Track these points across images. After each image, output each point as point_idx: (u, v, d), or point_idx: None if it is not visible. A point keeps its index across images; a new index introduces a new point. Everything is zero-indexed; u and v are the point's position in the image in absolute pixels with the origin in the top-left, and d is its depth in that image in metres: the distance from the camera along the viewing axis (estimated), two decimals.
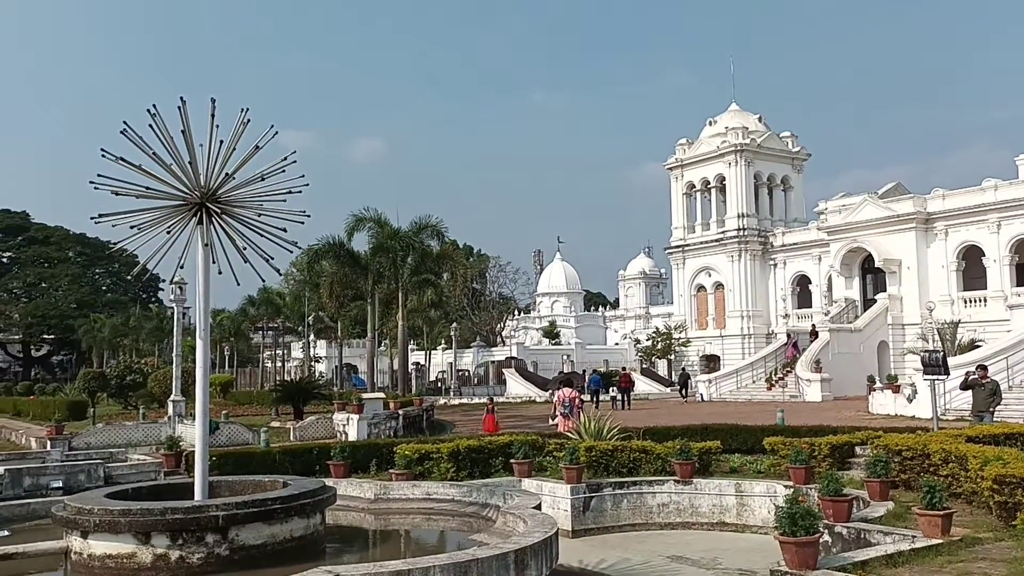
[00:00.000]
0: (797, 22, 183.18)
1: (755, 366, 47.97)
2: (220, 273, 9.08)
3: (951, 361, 22.84)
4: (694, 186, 62.69)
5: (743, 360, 51.52)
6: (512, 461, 15.12)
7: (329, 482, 11.30)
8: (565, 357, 66.75)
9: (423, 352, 72.65)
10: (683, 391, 46.16)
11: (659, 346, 60.81)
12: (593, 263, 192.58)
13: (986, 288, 45.94)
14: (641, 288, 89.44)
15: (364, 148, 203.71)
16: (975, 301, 46.17)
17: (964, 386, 19.55)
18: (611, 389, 41.30)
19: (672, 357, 61.37)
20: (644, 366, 60.69)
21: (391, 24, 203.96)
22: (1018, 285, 44.86)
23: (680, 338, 60.27)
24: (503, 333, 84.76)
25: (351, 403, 26.20)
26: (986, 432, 13.73)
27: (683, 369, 53.08)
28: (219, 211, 8.99)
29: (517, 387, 54.07)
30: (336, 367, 69.74)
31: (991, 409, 19.07)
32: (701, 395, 46.77)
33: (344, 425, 24.74)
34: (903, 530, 9.41)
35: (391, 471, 14.37)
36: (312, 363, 68.44)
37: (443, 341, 71.45)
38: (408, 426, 26.19)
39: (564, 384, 23.86)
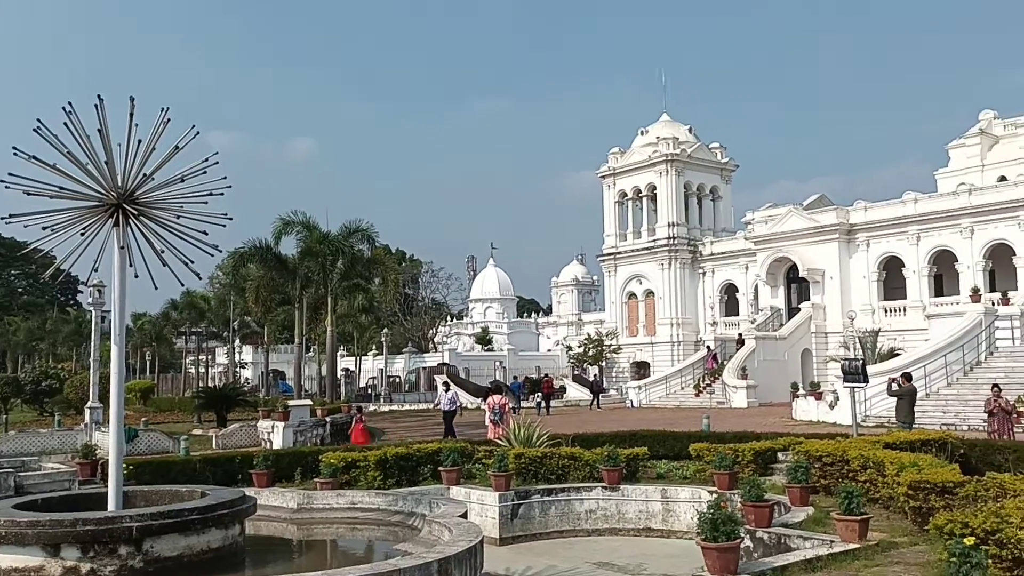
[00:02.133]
0: (728, 36, 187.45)
1: (684, 373, 48.69)
2: (137, 276, 8.81)
3: (871, 369, 23.49)
4: (626, 194, 63.46)
5: (672, 367, 52.26)
6: (441, 469, 15.01)
7: (251, 492, 11.03)
8: (498, 363, 66.76)
9: (353, 358, 71.82)
10: (595, 400, 46.34)
11: (591, 353, 61.26)
12: (527, 269, 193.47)
13: (906, 298, 47.48)
14: (574, 295, 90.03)
15: (296, 149, 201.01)
16: (895, 311, 47.67)
17: (891, 393, 20.09)
18: (534, 395, 41.68)
19: (603, 364, 61.89)
20: (576, 372, 61.09)
21: (324, 23, 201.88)
22: (936, 295, 46.48)
23: (611, 345, 60.85)
24: (435, 339, 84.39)
25: (277, 410, 25.72)
26: (903, 439, 14.12)
27: (594, 377, 53.54)
28: (136, 212, 8.72)
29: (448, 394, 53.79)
30: (262, 373, 68.46)
31: (907, 418, 19.52)
32: (631, 401, 47.29)
33: (269, 433, 24.27)
34: (822, 535, 9.60)
35: (316, 480, 14.12)
36: (237, 369, 67.04)
37: (374, 347, 70.77)
38: (336, 434, 25.81)
39: (494, 391, 23.81)
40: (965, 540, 6.15)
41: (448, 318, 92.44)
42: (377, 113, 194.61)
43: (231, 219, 9.02)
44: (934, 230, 46.45)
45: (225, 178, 8.81)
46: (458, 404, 29.06)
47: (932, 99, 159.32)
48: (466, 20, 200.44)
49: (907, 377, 20.61)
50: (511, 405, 28.74)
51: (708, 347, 49.83)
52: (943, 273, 46.95)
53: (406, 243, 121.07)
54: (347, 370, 68.11)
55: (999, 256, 44.34)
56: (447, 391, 30.29)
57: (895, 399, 20.66)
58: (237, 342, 67.45)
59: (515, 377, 47.72)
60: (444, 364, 60.99)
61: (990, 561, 6.37)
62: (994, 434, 18.84)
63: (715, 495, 12.34)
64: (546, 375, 50.91)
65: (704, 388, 45.85)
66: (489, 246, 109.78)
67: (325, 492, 13.00)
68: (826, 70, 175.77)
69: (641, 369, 59.41)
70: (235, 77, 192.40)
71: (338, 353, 59.63)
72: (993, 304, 32.17)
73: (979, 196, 45.26)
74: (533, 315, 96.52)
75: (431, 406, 48.68)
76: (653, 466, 15.66)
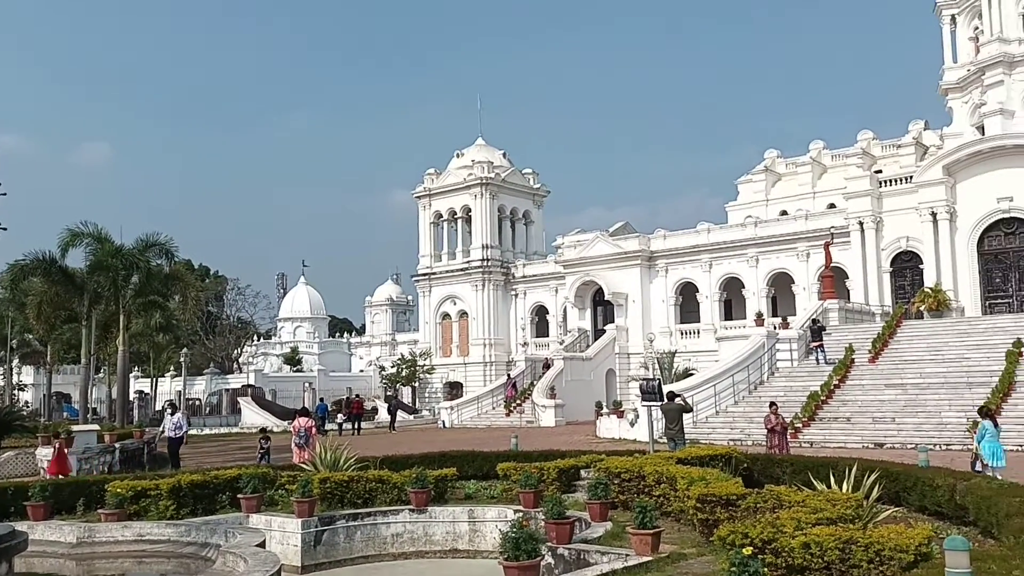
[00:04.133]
0: (543, 66, 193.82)
1: (496, 393, 49.39)
2: None
3: (666, 388, 24.72)
4: (441, 215, 63.89)
5: (485, 387, 52.91)
6: (240, 496, 14.31)
7: (23, 526, 10.04)
8: (307, 385, 64.92)
9: (149, 380, 67.47)
10: (392, 422, 46.07)
11: (404, 373, 60.95)
12: (340, 288, 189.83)
13: (699, 321, 50.69)
14: (388, 314, 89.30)
15: (87, 154, 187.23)
16: (690, 333, 50.76)
17: (662, 409, 21.08)
18: (339, 416, 41.08)
19: (417, 384, 61.75)
20: (388, 393, 60.50)
21: (134, 22, 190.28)
22: (726, 319, 49.92)
23: (425, 365, 60.82)
24: (241, 360, 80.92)
25: (59, 436, 23.63)
26: (694, 454, 14.93)
27: (389, 398, 53.43)
28: None
29: (253, 416, 51.72)
30: (45, 396, 62.82)
31: (676, 435, 20.46)
32: (443, 421, 47.38)
33: (49, 461, 22.22)
34: (619, 549, 9.94)
35: (101, 511, 13.06)
36: (15, 391, 61.21)
37: (172, 368, 66.84)
38: (126, 460, 24.08)
39: (300, 413, 23.09)
40: (744, 550, 6.54)
41: (255, 337, 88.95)
42: (184, 121, 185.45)
43: (5, 228, 8.21)
44: (724, 258, 49.97)
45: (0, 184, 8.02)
46: (185, 430, 25.73)
47: (724, 137, 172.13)
48: (281, 31, 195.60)
49: (671, 396, 21.72)
50: (318, 428, 27.78)
51: (508, 375, 50.66)
52: (732, 298, 50.58)
53: (212, 259, 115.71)
54: (141, 392, 63.89)
55: (780, 283, 48.33)
56: (172, 414, 26.78)
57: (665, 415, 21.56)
58: (16, 362, 61.59)
59: (321, 399, 46.60)
60: (249, 386, 58.61)
61: (766, 569, 6.82)
62: (773, 449, 20.31)
63: (520, 514, 12.54)
64: (356, 396, 50.07)
65: (514, 408, 46.67)
66: (301, 264, 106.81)
67: (110, 524, 12.06)
68: (630, 106, 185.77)
69: (454, 389, 59.73)
70: (10, 74, 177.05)
71: (131, 374, 55.89)
72: (775, 328, 34.85)
73: (763, 228, 49.21)
74: (346, 335, 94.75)
75: (233, 430, 46.68)
76: (462, 487, 15.69)
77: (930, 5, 50.80)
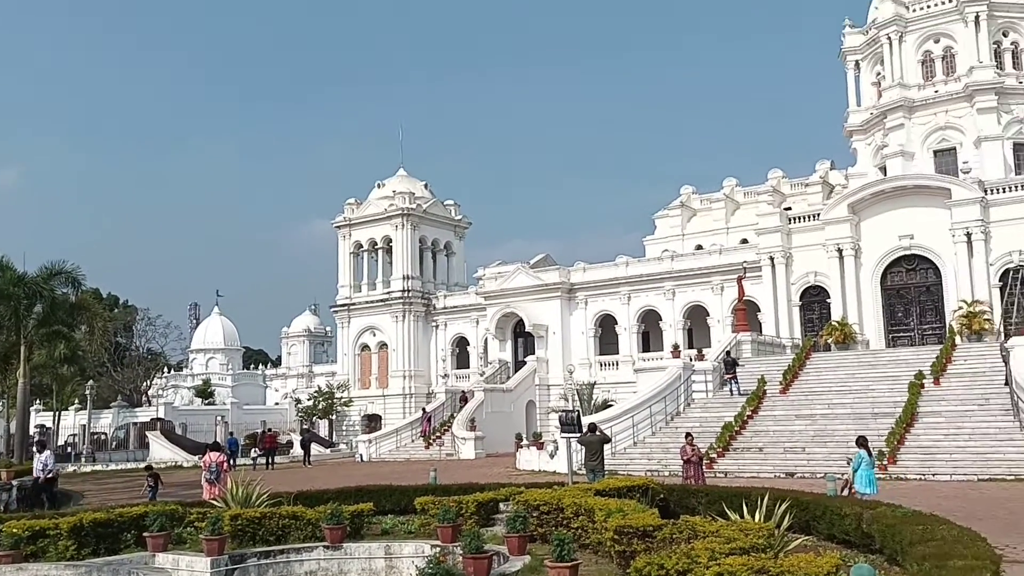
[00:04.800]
0: (464, 98, 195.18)
1: (415, 425, 48.87)
2: None
3: (586, 419, 24.90)
4: (361, 246, 63.33)
5: (404, 419, 52.33)
6: (146, 535, 13.73)
7: None
8: (219, 418, 62.91)
9: (51, 413, 64.49)
10: (306, 457, 45.20)
11: (321, 405, 59.82)
12: (256, 319, 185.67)
13: (618, 353, 51.33)
14: (305, 346, 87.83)
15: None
16: (609, 364, 51.32)
17: (580, 441, 21.23)
18: (253, 450, 40.12)
19: (334, 417, 60.64)
20: (304, 426, 59.24)
21: (36, 59, 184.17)
22: (644, 351, 50.67)
23: (342, 397, 59.85)
24: (150, 392, 78.17)
25: None
26: (612, 485, 15.00)
27: (304, 431, 52.45)
28: None
29: (162, 451, 49.94)
30: None
31: (595, 466, 20.64)
32: (360, 455, 46.62)
33: None
34: None
35: None
36: None
37: (77, 400, 64.11)
38: (25, 499, 22.88)
39: (211, 448, 22.39)
40: None
41: (165, 369, 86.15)
42: (98, 149, 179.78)
43: None
44: (642, 291, 50.86)
45: None
46: (54, 470, 24.01)
47: (643, 172, 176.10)
48: (206, 61, 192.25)
49: (592, 428, 21.94)
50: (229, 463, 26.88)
51: (423, 409, 50.22)
52: (650, 330, 51.42)
53: (121, 288, 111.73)
54: (43, 427, 61.01)
55: (696, 316, 49.38)
56: (41, 452, 25.10)
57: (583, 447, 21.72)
58: None
59: (231, 432, 45.37)
60: (158, 419, 56.60)
61: None
62: (689, 479, 20.61)
63: (438, 549, 12.36)
64: (269, 429, 48.91)
65: (434, 440, 46.27)
66: (215, 293, 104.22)
67: (3, 567, 11.42)
68: (552, 140, 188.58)
69: (373, 422, 58.89)
70: None
71: (33, 408, 53.40)
72: (691, 360, 35.54)
73: (680, 262, 50.32)
74: (261, 367, 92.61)
75: (141, 465, 45.01)
76: (379, 522, 15.40)
77: (836, 51, 53.23)
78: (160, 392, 78.84)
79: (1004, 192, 38.76)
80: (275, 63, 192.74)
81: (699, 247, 54.42)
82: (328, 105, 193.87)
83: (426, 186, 65.39)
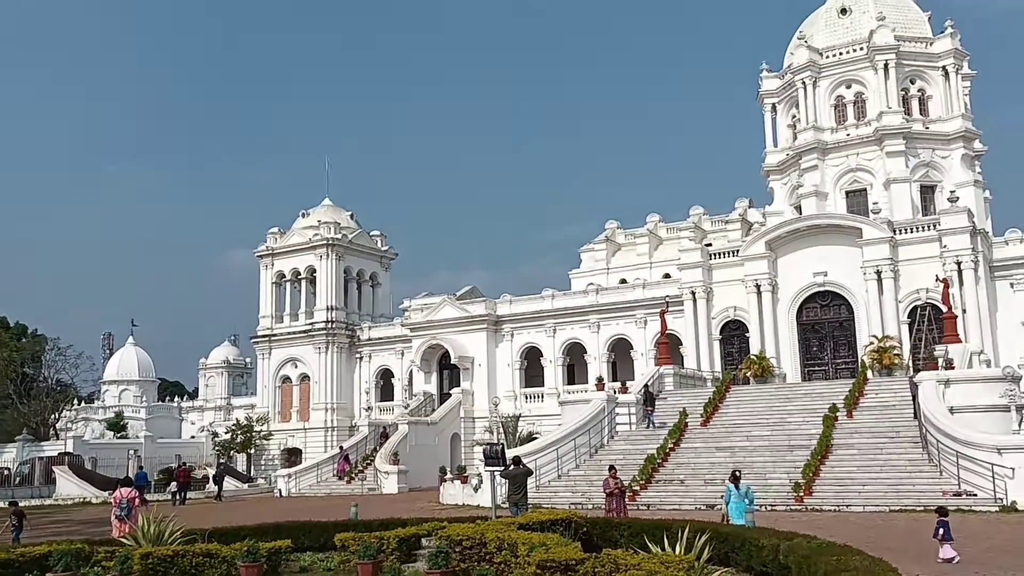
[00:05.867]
0: (391, 131, 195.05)
1: (336, 459, 47.98)
2: None
3: (510, 453, 24.84)
4: (284, 276, 62.36)
5: (325, 453, 51.36)
6: (49, 575, 13.11)
7: None
8: (132, 452, 60.66)
9: None
10: (219, 492, 44.01)
11: (239, 439, 58.27)
12: (173, 350, 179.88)
13: (543, 385, 51.51)
14: (224, 378, 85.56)
15: None
16: (535, 397, 51.44)
17: (503, 475, 21.17)
18: (172, 484, 38.86)
19: (253, 451, 59.13)
20: (222, 461, 57.57)
21: None
22: (569, 383, 50.96)
23: (262, 431, 58.45)
24: (58, 425, 74.85)
25: None
26: (535, 519, 14.97)
27: (220, 465, 51.13)
28: None
29: (70, 487, 47.87)
30: None
31: (518, 500, 20.60)
32: (280, 490, 45.54)
33: None
34: None
35: None
36: None
37: None
38: None
39: (122, 483, 21.57)
40: None
41: (76, 401, 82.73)
42: (4, 167, 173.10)
43: None
44: (567, 324, 51.29)
45: None
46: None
47: (570, 206, 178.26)
48: (111, 84, 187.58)
49: (516, 461, 21.93)
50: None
51: (340, 447, 49.35)
52: (575, 363, 51.80)
53: (30, 317, 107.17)
54: None
55: (620, 349, 49.98)
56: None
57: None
58: None
59: (140, 467, 43.83)
60: (66, 453, 54.28)
61: None
62: (612, 512, 20.71)
63: None
64: (184, 463, 47.39)
65: (356, 475, 45.50)
66: (130, 323, 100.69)
67: None
68: (480, 173, 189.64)
69: (293, 456, 57.63)
70: None
71: None
72: (614, 392, 35.87)
73: (604, 296, 50.99)
74: (177, 399, 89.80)
75: (47, 502, 43.22)
76: (297, 559, 15.05)
77: (754, 93, 55.09)
78: (69, 425, 75.49)
79: (912, 232, 40.50)
80: (199, 90, 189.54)
81: (623, 281, 55.22)
82: (253, 134, 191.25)
83: (352, 216, 64.94)
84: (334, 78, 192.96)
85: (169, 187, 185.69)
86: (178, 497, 39.50)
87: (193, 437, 73.23)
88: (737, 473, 18.66)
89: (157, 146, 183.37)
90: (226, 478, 49.35)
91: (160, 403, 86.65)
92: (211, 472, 51.24)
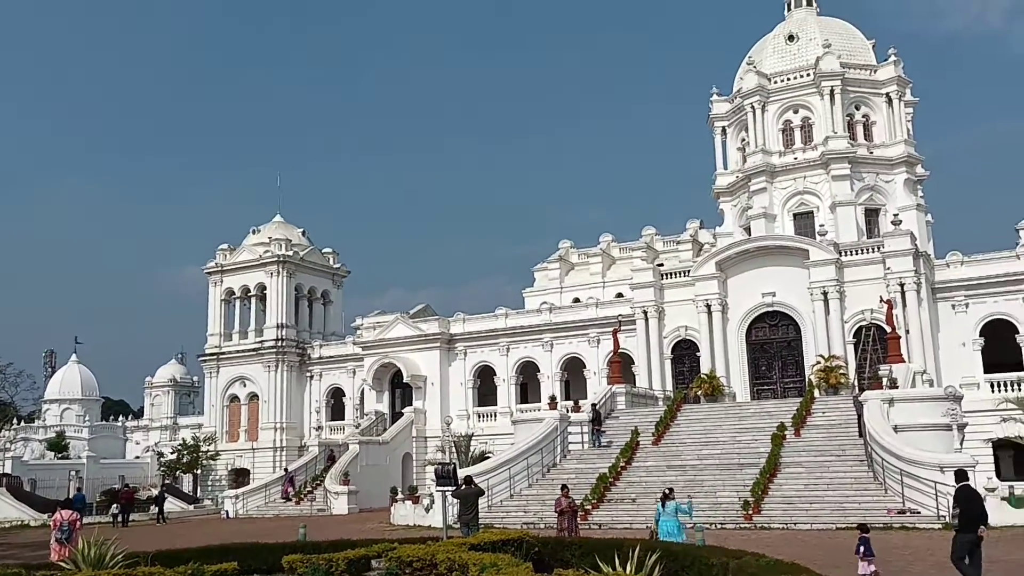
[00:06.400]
0: (344, 147, 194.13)
1: (282, 481, 47.17)
2: None
3: (462, 472, 24.70)
4: (234, 293, 61.46)
5: (274, 473, 50.56)
6: None
7: None
8: (74, 473, 59.06)
9: None
10: (160, 513, 42.85)
11: (185, 459, 57.09)
12: (119, 368, 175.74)
13: (497, 404, 51.39)
14: (170, 397, 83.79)
15: None
16: (487, 416, 51.29)
17: (455, 495, 21.04)
18: (114, 506, 37.95)
19: (199, 471, 57.97)
20: (167, 481, 56.31)
21: None
22: (522, 402, 50.92)
23: (209, 451, 57.34)
24: None
25: None
26: (487, 539, 14.85)
27: (162, 487, 50.07)
28: None
29: (8, 509, 46.31)
30: None
31: (469, 520, 20.48)
32: (227, 512, 44.68)
33: None
34: None
35: None
36: None
37: None
38: None
39: (63, 505, 20.94)
40: None
41: (15, 421, 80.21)
42: None
43: None
44: (521, 343, 51.33)
45: None
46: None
47: (524, 224, 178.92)
48: (56, 99, 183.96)
49: (467, 481, 21.83)
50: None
51: (285, 469, 48.60)
52: (528, 382, 51.81)
53: None
54: None
55: (573, 368, 50.14)
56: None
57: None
58: None
59: (79, 488, 42.65)
60: (4, 475, 52.60)
61: None
62: (564, 532, 20.68)
63: None
64: (127, 485, 46.23)
65: (306, 495, 44.84)
66: (73, 340, 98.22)
67: None
68: (434, 190, 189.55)
69: (241, 477, 56.60)
70: None
71: None
72: (567, 411, 35.93)
73: (558, 315, 51.17)
74: (121, 418, 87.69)
75: None
76: None
77: (705, 116, 56.03)
78: (8, 445, 73.17)
79: (857, 254, 41.39)
80: (149, 105, 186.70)
81: (576, 300, 55.49)
82: (204, 150, 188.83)
83: (304, 233, 64.34)
84: (287, 95, 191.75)
85: (117, 202, 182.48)
86: (120, 519, 38.50)
87: (138, 457, 71.61)
88: (666, 491, 18.88)
89: (104, 161, 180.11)
90: (170, 499, 48.28)
91: (104, 422, 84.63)
92: (155, 493, 50.05)
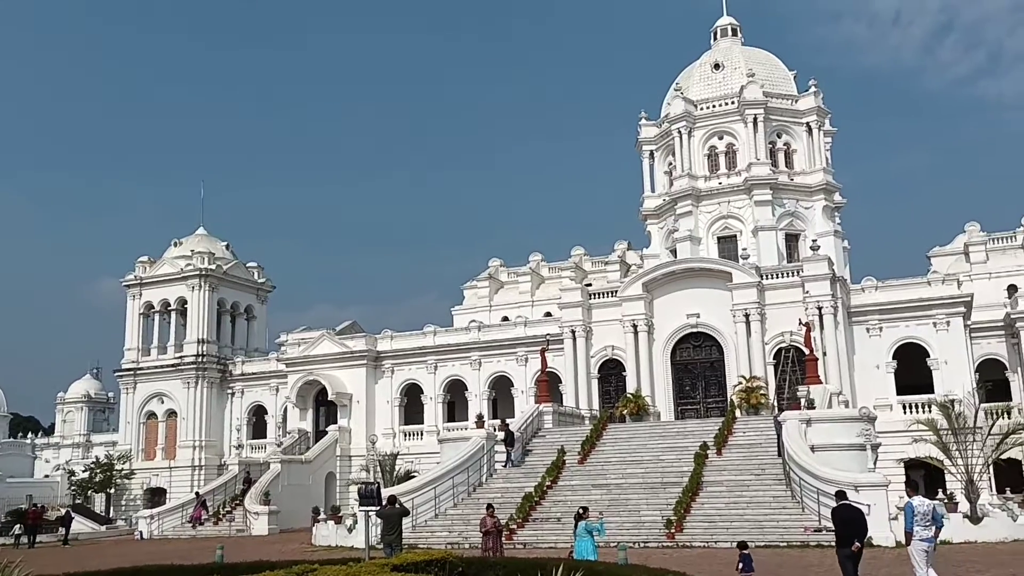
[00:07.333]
0: (271, 161, 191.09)
1: (194, 506, 45.78)
2: None
3: (386, 492, 24.39)
4: (153, 307, 59.73)
5: (192, 493, 49.07)
6: None
7: None
8: None
9: None
10: (66, 535, 41.12)
11: (98, 478, 55.05)
12: (28, 383, 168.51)
13: (423, 423, 50.98)
14: (84, 413, 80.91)
15: None
16: (414, 434, 50.83)
17: (378, 515, 20.80)
18: (17, 527, 36.38)
19: (112, 490, 55.95)
20: (78, 501, 54.19)
21: None
22: (449, 421, 50.65)
23: (123, 469, 55.41)
24: None
25: None
26: (410, 560, 14.65)
27: (69, 506, 48.31)
28: None
29: None
30: None
31: (392, 540, 20.25)
32: (141, 532, 43.21)
33: None
34: None
35: None
36: None
37: None
38: None
39: None
40: None
41: None
42: None
43: None
44: (449, 361, 51.13)
45: None
46: None
47: (451, 243, 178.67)
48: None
49: (392, 500, 21.65)
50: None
51: (197, 493, 47.24)
52: (456, 400, 51.60)
53: None
54: None
55: (501, 386, 50.14)
56: None
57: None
58: None
59: None
60: None
61: None
62: (488, 552, 20.58)
63: None
64: (35, 504, 44.33)
65: (224, 515, 43.71)
66: None
67: None
68: (363, 207, 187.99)
69: (157, 496, 54.83)
70: None
71: None
72: (494, 430, 35.82)
73: (486, 333, 51.16)
74: (31, 435, 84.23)
75: None
76: None
77: (633, 139, 56.99)
78: None
79: (777, 278, 42.52)
80: (67, 114, 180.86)
81: (505, 318, 55.60)
82: (125, 165, 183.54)
83: (227, 247, 63.00)
84: (209, 108, 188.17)
85: (30, 212, 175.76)
86: (27, 540, 36.84)
87: (47, 476, 68.96)
88: (580, 511, 19.05)
89: (17, 174, 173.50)
90: (81, 519, 46.49)
91: (11, 440, 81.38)
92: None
